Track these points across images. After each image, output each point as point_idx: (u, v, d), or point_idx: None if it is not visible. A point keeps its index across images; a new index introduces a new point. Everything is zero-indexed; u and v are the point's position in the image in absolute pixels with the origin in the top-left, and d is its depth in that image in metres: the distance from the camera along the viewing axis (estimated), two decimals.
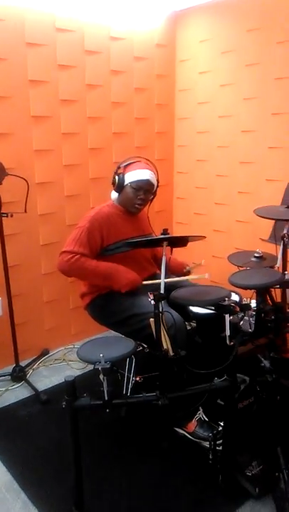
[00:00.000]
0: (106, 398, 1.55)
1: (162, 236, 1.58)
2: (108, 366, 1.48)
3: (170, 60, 3.14)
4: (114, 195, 2.34)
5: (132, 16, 2.81)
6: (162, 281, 1.58)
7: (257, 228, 2.83)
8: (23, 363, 2.67)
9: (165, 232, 1.59)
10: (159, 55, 3.04)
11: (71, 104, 2.64)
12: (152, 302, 1.56)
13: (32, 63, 2.43)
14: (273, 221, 2.55)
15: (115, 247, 2.21)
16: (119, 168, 2.27)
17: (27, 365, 2.69)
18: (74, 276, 2.29)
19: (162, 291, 1.57)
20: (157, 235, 2.39)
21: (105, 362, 1.49)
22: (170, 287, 1.71)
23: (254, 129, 2.78)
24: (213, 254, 3.16)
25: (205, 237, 1.84)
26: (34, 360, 2.78)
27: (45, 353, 2.88)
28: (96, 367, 1.49)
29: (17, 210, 2.40)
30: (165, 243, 1.58)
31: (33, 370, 2.72)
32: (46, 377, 2.65)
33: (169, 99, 3.21)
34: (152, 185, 2.26)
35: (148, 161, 2.29)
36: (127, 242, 1.93)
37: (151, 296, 1.55)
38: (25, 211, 2.38)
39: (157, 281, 1.65)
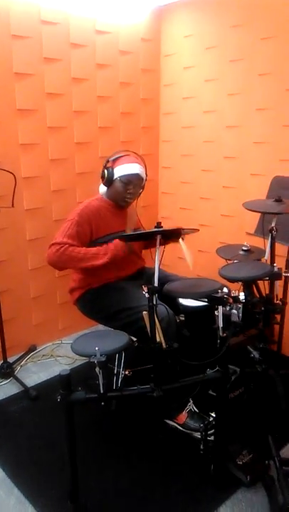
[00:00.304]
0: (101, 391, 1.56)
1: (156, 229, 1.59)
2: (104, 359, 1.49)
3: (155, 54, 3.14)
4: (102, 188, 2.34)
5: (117, 10, 2.79)
6: (156, 274, 1.60)
7: (242, 222, 2.87)
8: (10, 359, 2.65)
9: (158, 225, 1.60)
10: (144, 50, 3.04)
11: (57, 98, 2.62)
12: (146, 295, 1.56)
13: (17, 56, 2.39)
14: (259, 215, 2.60)
15: (104, 240, 2.21)
16: (108, 162, 2.27)
17: (15, 362, 2.67)
18: (63, 266, 2.24)
19: (156, 284, 1.58)
20: (144, 229, 2.44)
21: (101, 355, 1.50)
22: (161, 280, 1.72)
23: (238, 124, 2.81)
24: (199, 248, 3.19)
25: (198, 230, 1.86)
26: (22, 356, 2.76)
27: (32, 348, 2.86)
28: (92, 360, 1.49)
29: (3, 205, 2.38)
30: (158, 236, 1.59)
31: (21, 366, 2.70)
32: (34, 373, 2.64)
33: (154, 94, 3.22)
34: (142, 179, 2.27)
35: (137, 155, 2.30)
36: (120, 236, 1.94)
37: (146, 289, 1.56)
38: (13, 206, 2.36)
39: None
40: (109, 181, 2.24)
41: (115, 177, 2.23)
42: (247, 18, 2.61)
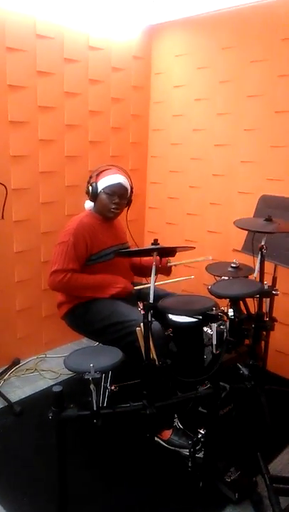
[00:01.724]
0: (94, 408, 1.54)
1: (153, 246, 1.60)
2: (98, 376, 1.48)
3: (146, 72, 3.19)
4: (88, 204, 2.36)
5: (110, 26, 2.84)
6: (151, 291, 1.60)
7: (228, 239, 2.92)
8: None
9: (155, 242, 1.61)
10: (135, 67, 3.09)
11: (49, 111, 2.63)
12: (142, 312, 1.57)
13: (11, 68, 2.39)
14: (246, 232, 2.65)
15: (97, 256, 2.22)
16: (91, 177, 2.30)
17: None
18: (68, 293, 2.29)
19: (151, 301, 1.59)
20: (131, 243, 2.46)
21: (95, 372, 1.49)
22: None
23: (227, 143, 2.87)
24: (185, 264, 3.22)
25: (194, 247, 1.89)
26: (5, 370, 2.71)
27: (16, 362, 2.81)
28: (86, 377, 1.48)
29: None
30: (155, 253, 1.60)
31: (4, 380, 2.65)
32: (18, 388, 2.59)
33: (144, 111, 3.26)
34: (125, 188, 2.29)
35: (119, 167, 2.33)
36: (119, 252, 1.96)
37: (141, 306, 1.57)
38: (2, 217, 2.34)
39: (148, 284, 1.67)
40: (94, 195, 2.26)
41: (99, 190, 2.25)
42: (238, 41, 2.69)
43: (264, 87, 2.61)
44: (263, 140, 2.67)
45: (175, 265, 2.46)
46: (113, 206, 2.28)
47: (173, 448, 2.09)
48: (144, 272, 2.46)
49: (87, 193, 2.29)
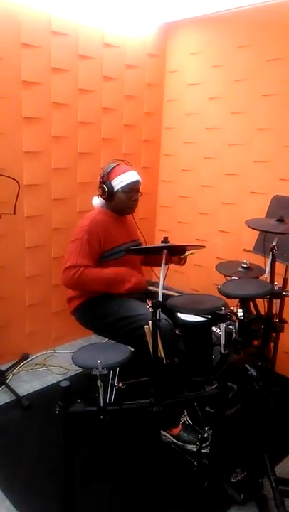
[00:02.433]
0: (101, 404, 1.55)
1: (163, 244, 1.60)
2: (106, 372, 1.48)
3: (160, 70, 3.18)
4: (96, 201, 2.36)
5: (125, 23, 2.84)
6: (160, 288, 1.60)
7: (239, 239, 2.90)
8: (2, 367, 2.62)
9: (165, 240, 1.61)
10: (150, 65, 3.08)
11: (63, 108, 2.64)
12: (150, 310, 1.57)
13: (26, 64, 2.41)
14: (257, 232, 2.63)
15: (110, 253, 2.23)
16: (103, 176, 2.28)
17: (7, 370, 2.64)
18: (82, 289, 2.28)
19: (160, 299, 1.59)
20: (142, 241, 2.46)
21: (102, 368, 1.49)
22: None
23: (240, 142, 2.85)
24: (195, 263, 3.21)
25: (204, 246, 1.88)
26: (14, 365, 2.73)
27: (25, 357, 2.83)
28: (93, 373, 1.48)
29: (4, 211, 2.37)
30: (165, 251, 1.60)
31: (13, 374, 2.67)
32: (27, 382, 2.61)
33: (157, 109, 3.26)
34: (140, 182, 2.31)
35: (126, 162, 2.33)
36: (129, 249, 1.95)
37: (150, 304, 1.57)
38: (14, 213, 2.35)
39: (166, 291, 1.66)
40: (110, 195, 2.26)
41: (116, 189, 2.25)
42: (254, 39, 2.67)
43: (279, 86, 2.58)
44: (277, 140, 2.65)
45: (192, 253, 2.44)
46: (132, 203, 2.31)
47: (182, 444, 2.08)
48: (151, 261, 2.48)
49: (103, 193, 2.27)
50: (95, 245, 2.18)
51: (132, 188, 2.27)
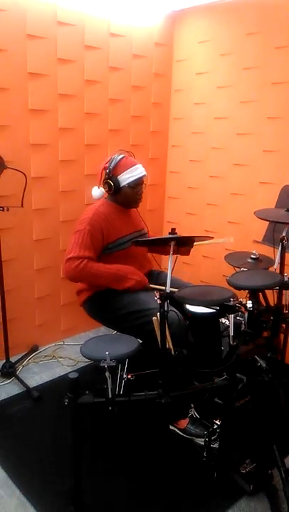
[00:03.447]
0: (110, 396, 1.55)
1: (170, 236, 1.59)
2: (114, 364, 1.48)
3: (167, 59, 3.14)
4: (96, 191, 2.33)
5: (131, 12, 2.80)
6: (168, 280, 1.59)
7: (249, 230, 2.87)
8: (12, 359, 2.64)
9: (173, 232, 1.60)
10: (157, 54, 3.04)
11: (69, 99, 2.62)
12: (158, 301, 1.56)
13: (32, 56, 2.39)
14: (267, 223, 2.61)
15: (115, 245, 2.22)
16: (109, 171, 2.23)
17: (17, 361, 2.66)
18: (82, 281, 2.28)
19: (168, 290, 1.58)
20: (149, 231, 2.44)
21: (111, 360, 1.49)
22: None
23: (249, 131, 2.81)
24: (203, 254, 3.20)
25: (212, 237, 1.86)
26: (24, 357, 2.75)
27: (34, 349, 2.85)
28: (102, 364, 1.48)
29: (12, 204, 2.37)
30: (172, 243, 1.59)
31: (23, 366, 2.69)
32: (36, 374, 2.63)
33: (165, 99, 3.22)
34: (146, 175, 2.29)
35: (130, 153, 2.30)
36: (136, 241, 1.94)
37: (158, 295, 1.56)
38: (22, 205, 2.35)
39: (162, 287, 1.65)
40: (116, 190, 2.24)
41: (122, 184, 2.23)
42: (263, 27, 2.61)
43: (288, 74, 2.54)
44: (287, 129, 2.60)
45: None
46: (139, 197, 2.31)
47: (190, 437, 2.09)
48: (158, 250, 2.47)
49: (110, 189, 2.24)
50: (97, 237, 2.16)
51: (138, 183, 2.26)
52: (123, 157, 2.26)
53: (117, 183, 2.22)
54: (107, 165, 2.25)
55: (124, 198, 2.28)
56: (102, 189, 2.30)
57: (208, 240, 1.99)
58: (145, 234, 2.43)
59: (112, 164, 2.23)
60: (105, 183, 2.26)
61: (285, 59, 2.53)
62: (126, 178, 2.23)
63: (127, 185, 2.23)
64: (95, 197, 2.35)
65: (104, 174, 2.26)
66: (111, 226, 2.22)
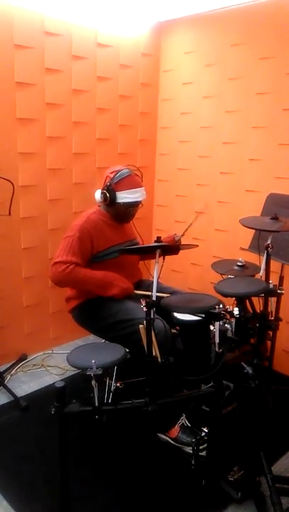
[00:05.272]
0: (96, 404, 1.55)
1: (155, 244, 1.60)
2: (100, 372, 1.49)
3: (154, 69, 3.18)
4: (98, 195, 2.33)
5: (118, 23, 2.83)
6: (154, 288, 1.60)
7: (236, 237, 2.90)
8: (0, 368, 2.62)
9: (158, 240, 1.61)
10: (144, 64, 3.08)
11: (57, 108, 2.64)
12: (144, 309, 1.57)
13: (19, 65, 2.41)
14: (253, 231, 2.63)
15: (104, 254, 2.22)
16: (111, 183, 2.21)
17: (5, 371, 2.64)
18: (68, 286, 2.29)
19: (154, 298, 1.59)
20: (139, 240, 2.46)
21: (97, 368, 1.49)
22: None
23: (235, 141, 2.85)
24: (191, 261, 3.22)
25: (197, 245, 1.88)
26: (12, 366, 2.73)
27: (23, 358, 2.83)
28: (88, 373, 1.48)
29: (0, 213, 2.37)
30: (158, 251, 1.60)
31: (11, 375, 2.67)
32: (25, 383, 2.61)
33: (152, 108, 3.25)
34: (143, 199, 2.30)
35: (137, 171, 2.29)
36: (121, 249, 1.95)
37: (144, 303, 1.57)
38: (10, 214, 2.35)
39: (148, 293, 1.66)
40: (111, 202, 2.23)
41: (118, 201, 2.23)
42: (247, 38, 2.67)
43: (272, 85, 2.58)
44: (272, 138, 2.65)
45: (182, 235, 2.52)
46: (130, 217, 2.34)
47: (180, 446, 2.08)
48: (148, 257, 2.49)
49: (105, 199, 2.24)
50: (86, 244, 2.17)
51: (134, 205, 2.27)
52: (129, 175, 2.24)
53: (114, 197, 2.21)
54: (112, 175, 2.23)
55: (116, 213, 2.29)
56: None
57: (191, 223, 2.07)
58: (136, 243, 2.44)
59: (116, 178, 2.21)
60: (102, 193, 2.26)
61: (269, 69, 2.58)
62: (123, 196, 2.22)
63: (122, 203, 2.23)
64: (96, 199, 2.35)
65: (106, 182, 2.25)
66: (101, 234, 2.23)
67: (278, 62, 2.53)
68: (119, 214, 2.29)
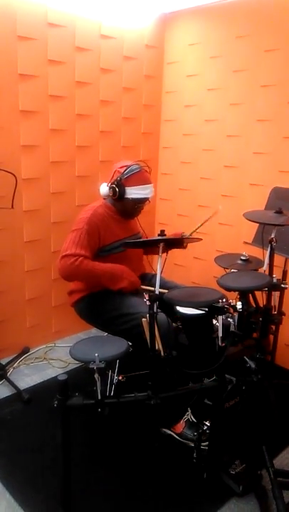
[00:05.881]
0: (99, 397, 1.55)
1: (159, 238, 1.59)
2: (103, 366, 1.49)
3: (158, 61, 3.15)
4: (103, 189, 2.31)
5: (122, 15, 2.81)
6: (157, 281, 1.60)
7: (239, 231, 2.89)
8: (3, 361, 2.63)
9: (162, 233, 1.60)
10: (148, 56, 3.05)
11: (60, 101, 2.62)
12: (147, 303, 1.56)
13: (22, 57, 2.39)
14: (257, 225, 2.62)
15: (110, 247, 2.22)
16: (120, 178, 2.19)
17: (8, 363, 2.65)
18: (77, 279, 2.27)
19: (157, 292, 1.58)
20: (142, 234, 2.45)
21: (100, 361, 1.49)
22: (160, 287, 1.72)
23: (239, 134, 2.83)
24: (195, 255, 3.21)
25: (201, 239, 1.87)
26: (15, 359, 2.74)
27: (25, 351, 2.84)
28: (91, 366, 1.48)
29: (2, 206, 2.37)
30: (162, 244, 1.59)
31: (14, 368, 2.68)
32: (27, 376, 2.62)
33: (156, 101, 3.23)
34: (151, 197, 2.28)
35: (147, 167, 2.26)
36: (125, 243, 1.94)
37: (147, 297, 1.56)
38: (12, 207, 2.34)
39: (153, 288, 1.65)
40: (120, 197, 2.21)
41: (127, 196, 2.21)
42: (252, 30, 2.64)
43: (278, 77, 2.56)
44: (276, 131, 2.63)
45: (190, 235, 2.42)
46: (137, 213, 2.33)
47: (185, 441, 2.08)
48: (152, 252, 2.49)
49: (114, 193, 2.21)
50: (94, 237, 2.16)
51: (142, 201, 2.26)
52: (140, 171, 2.22)
53: (123, 192, 2.19)
54: (122, 170, 2.20)
55: (124, 208, 2.28)
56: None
57: (200, 225, 2.08)
58: (140, 237, 2.44)
59: (127, 173, 2.19)
60: (111, 188, 2.23)
61: (274, 62, 2.56)
62: (133, 192, 2.20)
63: (131, 199, 2.22)
64: (101, 193, 2.33)
65: (115, 176, 2.23)
66: (108, 228, 2.22)
67: (284, 54, 2.51)
68: (127, 209, 2.27)
